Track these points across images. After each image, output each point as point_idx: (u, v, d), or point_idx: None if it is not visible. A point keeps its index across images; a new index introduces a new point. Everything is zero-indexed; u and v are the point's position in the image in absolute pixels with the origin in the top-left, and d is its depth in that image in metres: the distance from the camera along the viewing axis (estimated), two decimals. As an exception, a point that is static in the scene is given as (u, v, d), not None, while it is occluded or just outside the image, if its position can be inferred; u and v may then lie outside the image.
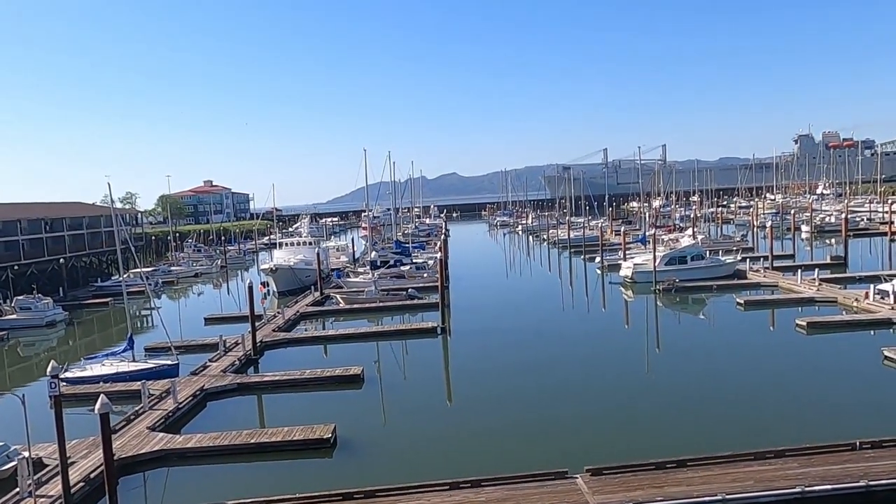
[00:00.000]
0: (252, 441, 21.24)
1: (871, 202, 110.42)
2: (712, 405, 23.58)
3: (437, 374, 31.23)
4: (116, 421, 23.03)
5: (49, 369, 16.82)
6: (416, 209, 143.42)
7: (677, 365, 29.70)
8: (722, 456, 17.25)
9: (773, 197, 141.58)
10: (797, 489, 15.36)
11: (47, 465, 19.60)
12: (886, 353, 27.26)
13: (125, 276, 47.82)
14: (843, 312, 36.78)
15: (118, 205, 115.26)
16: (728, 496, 15.23)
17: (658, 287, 46.67)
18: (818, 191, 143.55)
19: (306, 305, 48.27)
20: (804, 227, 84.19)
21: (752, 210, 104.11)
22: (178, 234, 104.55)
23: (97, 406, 15.65)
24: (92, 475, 18.76)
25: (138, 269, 59.23)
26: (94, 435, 20.16)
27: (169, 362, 30.57)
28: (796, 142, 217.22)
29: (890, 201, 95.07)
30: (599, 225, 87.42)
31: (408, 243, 77.74)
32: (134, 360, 30.93)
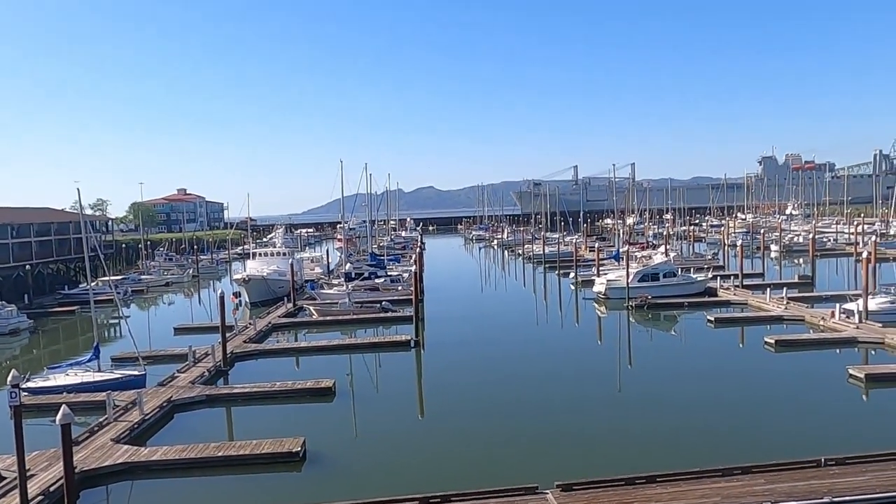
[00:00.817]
0: (220, 454, 20.87)
1: (837, 223, 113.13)
2: (682, 421, 23.78)
3: (410, 387, 31.07)
4: (80, 432, 22.51)
5: (10, 378, 16.39)
6: (392, 222, 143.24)
7: (648, 381, 29.94)
8: (690, 472, 17.39)
9: (743, 216, 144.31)
10: (763, 505, 15.55)
11: (5, 478, 19.00)
12: (851, 371, 27.83)
13: (93, 284, 46.88)
14: (810, 331, 37.48)
15: (88, 211, 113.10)
16: (696, 512, 15.34)
17: (631, 303, 47.13)
18: (787, 211, 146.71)
19: (279, 317, 47.78)
20: (773, 247, 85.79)
21: (723, 229, 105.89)
22: (149, 243, 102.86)
23: (58, 417, 15.31)
24: (52, 488, 18.21)
25: (107, 277, 58.06)
26: (56, 447, 19.64)
27: (136, 372, 29.95)
28: (760, 163, 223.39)
29: (855, 223, 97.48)
30: (574, 241, 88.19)
31: (383, 256, 77.53)
32: (99, 370, 30.20)
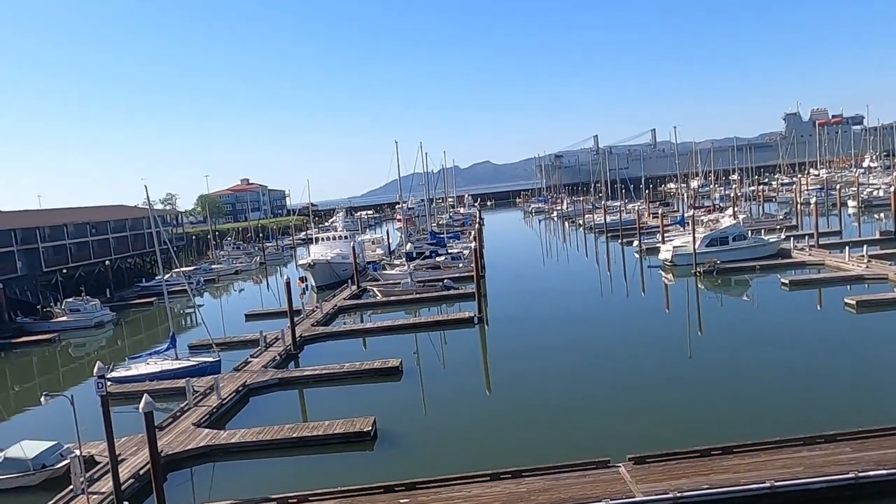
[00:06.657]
0: (294, 435, 21.51)
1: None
2: (758, 389, 22.94)
3: (476, 363, 31.16)
4: (163, 418, 23.61)
5: (96, 370, 17.24)
6: (449, 199, 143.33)
7: (720, 348, 28.99)
8: (769, 441, 16.80)
9: (816, 172, 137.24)
10: (850, 475, 14.87)
11: (98, 463, 20.17)
12: (942, 330, 26.18)
13: (167, 275, 48.97)
14: (895, 290, 35.42)
15: (158, 206, 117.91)
16: (777, 483, 14.82)
17: (698, 269, 45.69)
18: (864, 164, 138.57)
19: (344, 299, 48.69)
20: (851, 203, 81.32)
21: (795, 187, 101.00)
22: (217, 233, 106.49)
23: (141, 405, 16.03)
24: (141, 472, 19.24)
25: (179, 269, 60.53)
26: (142, 432, 20.64)
27: (211, 359, 31.17)
28: (785, 120, 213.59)
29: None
30: (636, 208, 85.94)
31: (442, 234, 77.73)
32: (177, 359, 31.61)
